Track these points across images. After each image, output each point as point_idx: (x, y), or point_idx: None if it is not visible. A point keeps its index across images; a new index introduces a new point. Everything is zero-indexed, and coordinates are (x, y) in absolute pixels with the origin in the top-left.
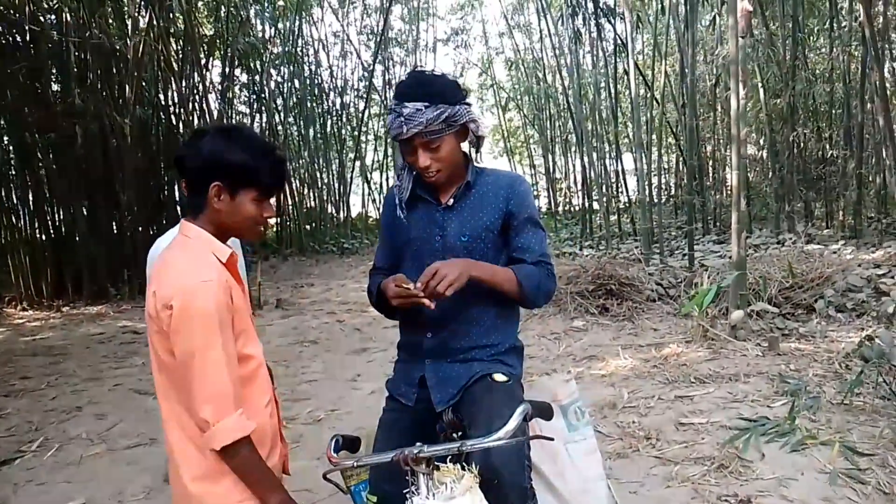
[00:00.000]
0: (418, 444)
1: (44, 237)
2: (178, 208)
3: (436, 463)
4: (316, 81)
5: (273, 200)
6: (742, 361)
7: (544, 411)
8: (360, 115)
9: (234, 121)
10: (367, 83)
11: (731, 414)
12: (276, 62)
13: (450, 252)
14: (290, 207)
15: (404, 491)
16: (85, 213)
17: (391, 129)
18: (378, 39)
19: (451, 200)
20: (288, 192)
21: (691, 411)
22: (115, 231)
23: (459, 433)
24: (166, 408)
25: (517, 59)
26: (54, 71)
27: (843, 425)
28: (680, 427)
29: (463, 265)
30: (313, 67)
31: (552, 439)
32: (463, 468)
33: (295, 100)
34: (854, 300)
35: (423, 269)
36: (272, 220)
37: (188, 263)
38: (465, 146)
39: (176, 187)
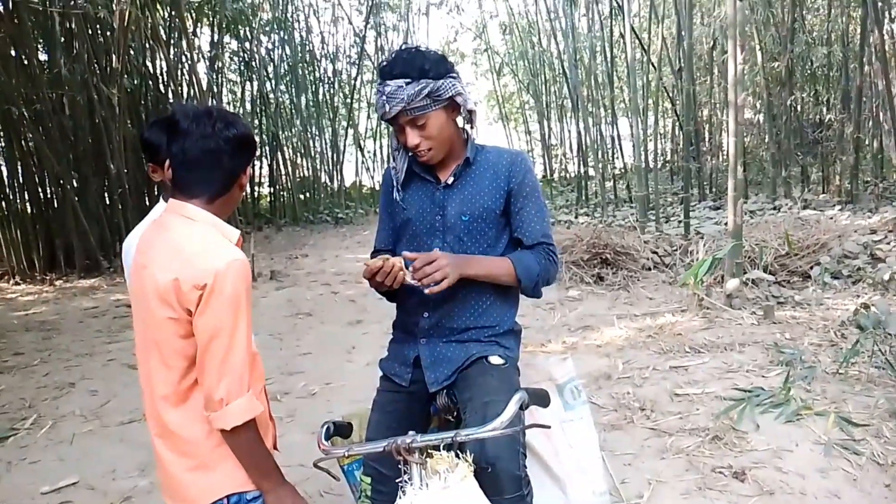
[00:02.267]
0: (411, 433)
1: (34, 210)
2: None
3: (429, 450)
4: (307, 48)
5: None
6: (737, 330)
7: (541, 399)
8: (353, 81)
9: (224, 89)
10: (359, 49)
11: (725, 384)
12: (266, 28)
13: (450, 232)
14: (284, 177)
15: (397, 480)
16: (75, 185)
17: (378, 110)
18: (369, 4)
19: (451, 178)
20: (281, 162)
21: (686, 382)
22: (107, 203)
23: (453, 416)
24: (162, 392)
25: (511, 22)
26: (40, 41)
27: (838, 395)
28: (675, 398)
29: (456, 265)
30: (304, 34)
31: (548, 427)
32: (457, 456)
33: (286, 67)
34: (850, 267)
35: (421, 250)
36: None
37: (210, 244)
38: (461, 121)
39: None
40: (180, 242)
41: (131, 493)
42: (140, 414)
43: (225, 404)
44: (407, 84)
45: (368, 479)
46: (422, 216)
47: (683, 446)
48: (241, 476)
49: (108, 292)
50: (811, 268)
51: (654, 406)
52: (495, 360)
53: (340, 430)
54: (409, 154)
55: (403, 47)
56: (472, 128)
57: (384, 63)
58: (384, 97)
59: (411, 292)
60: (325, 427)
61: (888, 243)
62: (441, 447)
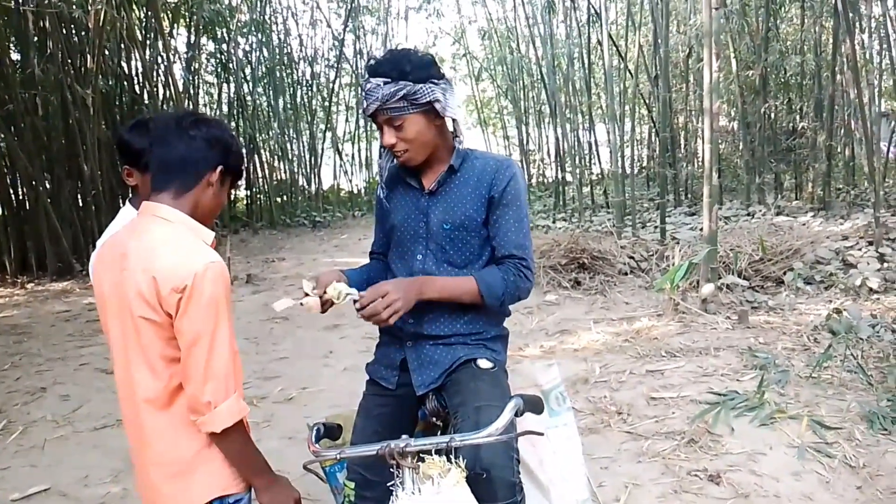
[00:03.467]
0: (404, 437)
1: (5, 211)
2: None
3: (421, 455)
4: (285, 51)
5: None
6: (712, 335)
7: (535, 405)
8: (331, 85)
9: (201, 91)
10: (337, 52)
11: (701, 388)
12: (244, 30)
13: (433, 240)
14: (261, 180)
15: (388, 484)
16: (48, 186)
17: (362, 107)
18: (348, 7)
19: (435, 186)
20: (258, 164)
21: (662, 386)
22: (80, 205)
23: (441, 421)
24: (146, 396)
25: (490, 28)
26: (12, 40)
27: (811, 399)
28: (651, 402)
29: (411, 291)
30: (282, 36)
31: (542, 434)
32: (449, 461)
33: (263, 69)
34: (822, 272)
35: (405, 257)
36: None
37: (187, 246)
38: (451, 127)
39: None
40: (157, 244)
41: (104, 499)
42: (113, 419)
43: (213, 407)
44: (385, 84)
45: (352, 485)
46: (406, 223)
47: (659, 450)
48: (223, 479)
49: (81, 296)
50: (784, 273)
51: (631, 410)
52: (484, 363)
53: (330, 431)
54: (399, 162)
55: (396, 48)
56: (455, 136)
57: (372, 60)
58: (364, 93)
59: None
60: (315, 429)
61: (860, 249)
62: (434, 452)
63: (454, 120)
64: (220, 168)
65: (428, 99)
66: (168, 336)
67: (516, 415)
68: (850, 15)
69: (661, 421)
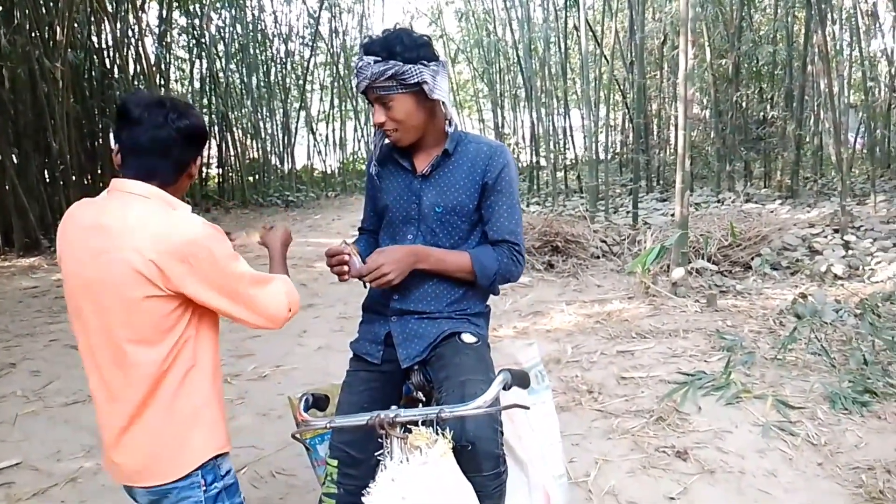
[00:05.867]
0: (393, 407)
1: None
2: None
3: (408, 427)
4: (259, 27)
5: None
6: (682, 318)
7: (522, 380)
8: (306, 63)
9: (172, 66)
10: (312, 30)
11: (670, 369)
12: (217, 5)
13: (423, 222)
14: (233, 158)
15: (376, 454)
16: (15, 161)
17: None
18: None
19: (428, 169)
20: (230, 143)
21: (632, 366)
22: (48, 180)
23: (426, 396)
24: (146, 372)
25: (467, 9)
26: None
27: (776, 380)
28: (621, 381)
29: (408, 259)
30: (256, 12)
31: (528, 408)
32: (436, 433)
33: (237, 46)
34: (789, 259)
35: (396, 238)
36: None
37: (173, 216)
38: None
39: (112, 136)
40: (142, 221)
41: (77, 474)
42: (84, 395)
43: (291, 311)
44: (375, 62)
45: (335, 462)
46: (398, 204)
47: (629, 427)
48: (219, 438)
49: (49, 272)
50: (752, 259)
51: (602, 389)
52: (468, 337)
53: (318, 402)
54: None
55: (394, 27)
56: (446, 119)
57: (367, 38)
58: (356, 69)
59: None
60: (304, 398)
61: (825, 237)
62: (421, 423)
63: (443, 103)
64: (199, 158)
65: (416, 80)
66: (170, 308)
67: (504, 388)
68: (822, 6)
69: (630, 400)
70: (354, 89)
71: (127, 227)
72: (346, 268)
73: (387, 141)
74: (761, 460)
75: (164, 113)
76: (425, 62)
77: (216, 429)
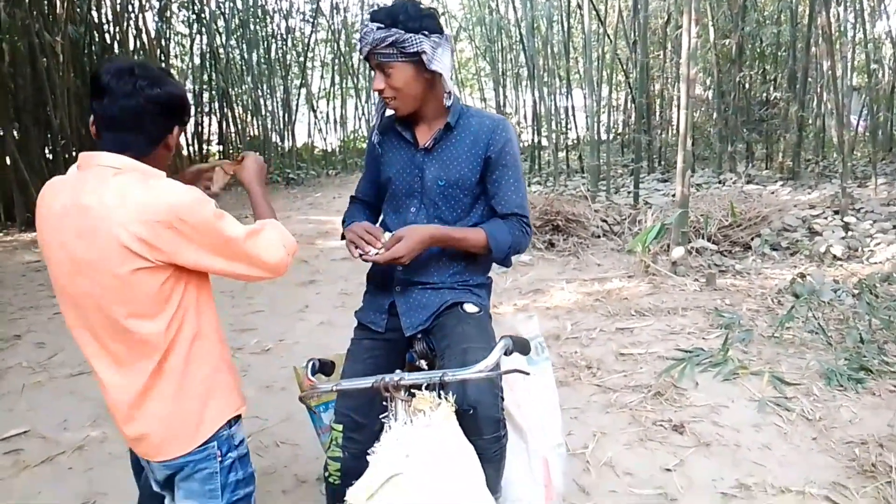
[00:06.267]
0: (398, 371)
1: None
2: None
3: (412, 391)
4: (259, 3)
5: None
6: (681, 296)
7: (524, 347)
8: (307, 40)
9: (172, 42)
10: (313, 6)
11: (668, 345)
12: None
13: (426, 195)
14: (234, 135)
15: (381, 417)
16: (16, 136)
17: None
18: None
19: (431, 143)
20: (230, 119)
21: (631, 343)
22: (49, 155)
23: (428, 364)
24: (156, 343)
25: None
26: None
27: (772, 357)
28: (620, 357)
29: (424, 237)
30: None
31: (528, 373)
32: (438, 397)
33: (237, 21)
34: (789, 239)
35: (399, 210)
36: None
37: (150, 185)
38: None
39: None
40: (122, 194)
41: (83, 443)
42: (88, 367)
43: (290, 256)
44: (378, 29)
45: (340, 427)
46: (401, 176)
47: (627, 402)
48: (233, 400)
49: None
50: (752, 239)
51: (600, 365)
52: (470, 307)
53: (324, 367)
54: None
55: None
56: (445, 92)
57: (375, 5)
58: (360, 35)
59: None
60: (311, 363)
61: (825, 218)
62: (424, 388)
63: (440, 75)
64: (176, 129)
65: (415, 49)
66: (161, 279)
67: (505, 354)
68: None
69: (628, 375)
70: (358, 57)
71: (105, 204)
72: (368, 248)
73: (388, 112)
74: (756, 434)
75: (133, 81)
76: (426, 32)
77: (230, 393)
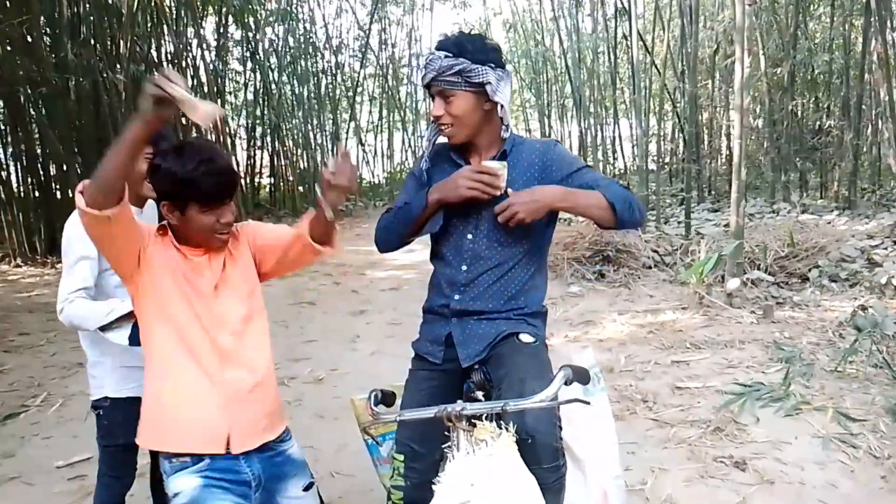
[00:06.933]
0: (459, 401)
1: (37, 193)
2: None
3: (473, 421)
4: (310, 40)
5: (231, 205)
6: (737, 328)
7: (583, 376)
8: (356, 75)
9: (227, 78)
10: (362, 43)
11: (726, 379)
12: (271, 19)
13: (483, 221)
14: (284, 167)
15: (444, 446)
16: (78, 170)
17: (420, 73)
18: None
19: None
20: (281, 153)
21: (687, 376)
22: None
23: (485, 395)
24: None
25: (515, 21)
26: (46, 26)
27: (835, 392)
28: (676, 391)
29: (548, 197)
30: (308, 25)
31: (588, 403)
32: (498, 426)
33: (289, 58)
34: (847, 270)
35: (454, 235)
36: (231, 223)
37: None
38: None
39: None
40: None
41: (144, 469)
42: None
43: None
44: (445, 57)
45: (401, 457)
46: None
47: (685, 437)
48: None
49: None
50: (809, 270)
51: (656, 398)
52: (526, 338)
53: (385, 398)
54: (443, 136)
55: (472, 29)
56: (503, 125)
57: (443, 35)
58: (426, 62)
59: (445, 276)
60: (373, 394)
61: (885, 248)
62: (485, 418)
63: (502, 106)
64: (164, 203)
65: (480, 80)
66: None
67: (565, 384)
68: (882, 13)
69: (686, 410)
70: (420, 81)
71: None
72: (492, 189)
73: (441, 139)
74: (821, 472)
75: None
76: (492, 65)
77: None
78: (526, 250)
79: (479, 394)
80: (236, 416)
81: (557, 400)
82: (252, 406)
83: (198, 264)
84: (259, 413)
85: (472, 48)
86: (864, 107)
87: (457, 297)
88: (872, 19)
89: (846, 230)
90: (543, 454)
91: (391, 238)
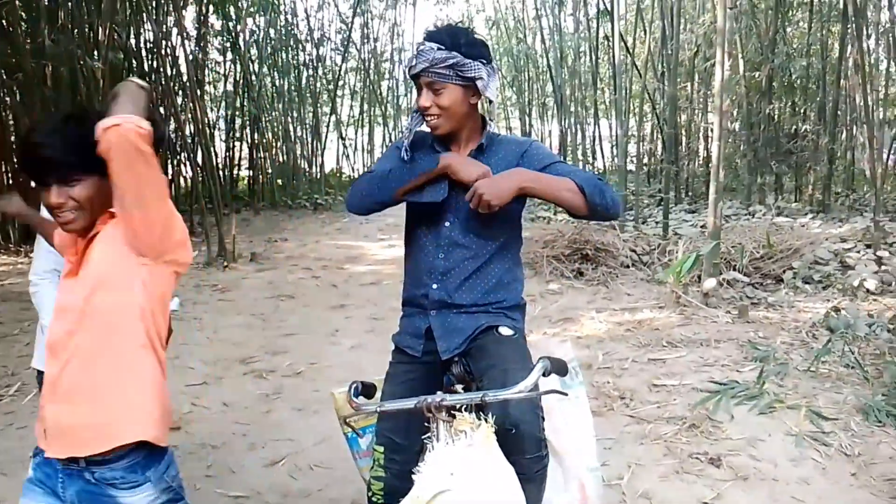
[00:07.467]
0: (439, 392)
1: (11, 181)
2: None
3: (452, 412)
4: (292, 32)
5: (60, 188)
6: (713, 328)
7: (561, 368)
8: (337, 69)
9: (207, 68)
10: (344, 37)
11: (702, 377)
12: (252, 9)
13: (461, 210)
14: (262, 160)
15: (423, 437)
16: None
17: (406, 64)
18: None
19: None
20: (261, 145)
21: (664, 374)
22: None
23: (465, 388)
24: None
25: (498, 18)
26: (22, 10)
27: (809, 391)
28: (653, 388)
29: (514, 178)
30: (290, 17)
31: (566, 394)
32: (478, 418)
33: (270, 50)
34: (821, 272)
35: (432, 224)
36: (61, 206)
37: None
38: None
39: None
40: None
41: None
42: None
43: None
44: (438, 49)
45: (381, 449)
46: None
47: (661, 433)
48: None
49: None
50: (784, 272)
51: (634, 395)
52: (505, 330)
53: (367, 389)
54: (428, 127)
55: (459, 23)
56: (489, 118)
57: (432, 26)
58: (416, 53)
59: (422, 262)
60: (354, 386)
61: (857, 252)
62: (465, 408)
63: (490, 101)
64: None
65: (472, 75)
66: None
67: (544, 375)
68: (859, 20)
69: (662, 407)
70: (408, 72)
71: None
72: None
73: (423, 128)
74: (795, 469)
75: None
76: (483, 61)
77: None
78: (502, 243)
79: (459, 387)
80: (48, 410)
81: (536, 391)
82: (62, 405)
83: (70, 246)
84: (69, 415)
85: (465, 42)
86: (839, 112)
87: (435, 286)
88: (849, 26)
89: (820, 233)
90: (527, 444)
91: (367, 202)
